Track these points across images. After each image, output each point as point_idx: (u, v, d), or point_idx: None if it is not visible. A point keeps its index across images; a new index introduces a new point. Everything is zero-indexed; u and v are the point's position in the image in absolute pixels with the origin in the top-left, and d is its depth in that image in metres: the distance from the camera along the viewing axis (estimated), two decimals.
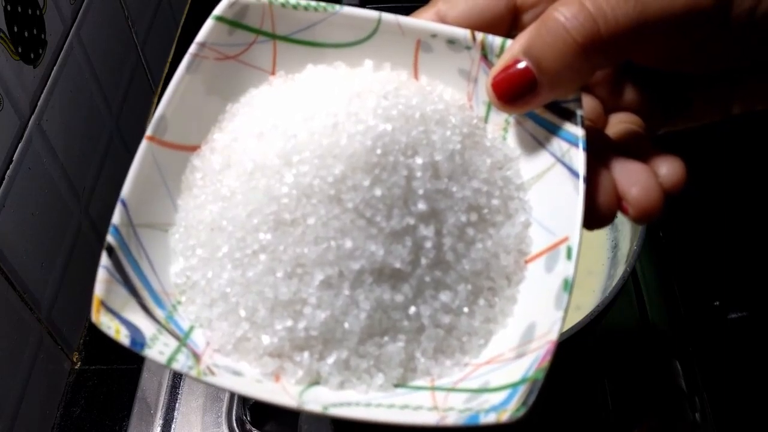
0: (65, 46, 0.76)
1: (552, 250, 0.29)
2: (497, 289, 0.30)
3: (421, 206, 0.28)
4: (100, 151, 0.85)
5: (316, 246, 0.28)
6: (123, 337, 0.28)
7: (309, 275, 0.28)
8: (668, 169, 0.32)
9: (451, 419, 0.26)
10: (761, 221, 0.80)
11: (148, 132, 0.34)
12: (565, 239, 0.28)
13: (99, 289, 0.30)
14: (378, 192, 0.28)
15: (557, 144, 0.30)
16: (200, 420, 0.66)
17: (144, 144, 0.34)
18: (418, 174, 0.28)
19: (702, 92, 0.33)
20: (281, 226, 0.29)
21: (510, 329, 0.29)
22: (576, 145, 0.29)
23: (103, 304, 0.29)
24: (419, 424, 0.26)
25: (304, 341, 0.28)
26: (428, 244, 0.28)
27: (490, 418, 0.26)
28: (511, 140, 0.32)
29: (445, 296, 0.29)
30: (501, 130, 0.32)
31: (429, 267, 0.28)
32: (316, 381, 0.28)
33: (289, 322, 0.28)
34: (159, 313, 0.29)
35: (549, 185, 0.30)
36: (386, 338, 0.28)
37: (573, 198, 0.28)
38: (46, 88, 0.72)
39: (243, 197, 0.29)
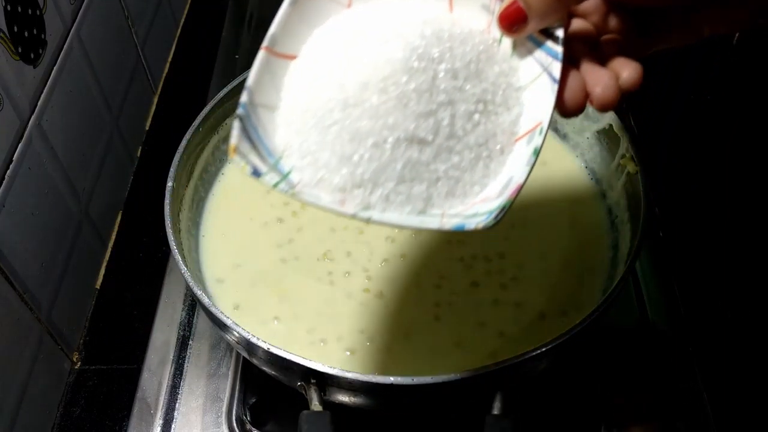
0: (65, 46, 0.76)
1: (532, 131, 0.43)
2: (493, 156, 0.44)
3: (442, 97, 0.42)
4: (100, 151, 0.85)
5: (370, 121, 0.41)
6: (248, 169, 0.42)
7: (365, 139, 0.42)
8: (628, 73, 0.42)
9: (447, 226, 0.41)
10: (761, 221, 0.80)
11: (265, 44, 0.46)
12: (540, 123, 0.42)
13: (234, 139, 0.43)
14: (412, 86, 0.41)
15: (545, 58, 0.43)
16: (200, 420, 0.66)
17: (262, 52, 0.46)
18: (441, 75, 0.42)
19: (677, 20, 0.43)
20: (348, 108, 0.42)
21: (498, 181, 0.43)
22: (557, 59, 0.42)
23: (236, 149, 0.43)
24: (426, 228, 0.42)
25: (360, 182, 0.42)
26: (445, 123, 0.42)
27: (471, 226, 0.41)
28: (515, 56, 0.44)
29: (455, 158, 0.43)
30: (509, 49, 0.44)
31: (445, 138, 0.42)
32: (366, 207, 0.42)
33: (351, 169, 0.42)
34: (269, 160, 0.43)
35: (537, 88, 0.43)
36: (414, 183, 0.42)
37: (550, 96, 0.42)
38: (46, 88, 0.72)
39: (323, 89, 0.43)
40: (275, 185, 0.42)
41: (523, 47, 0.44)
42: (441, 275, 0.62)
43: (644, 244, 0.56)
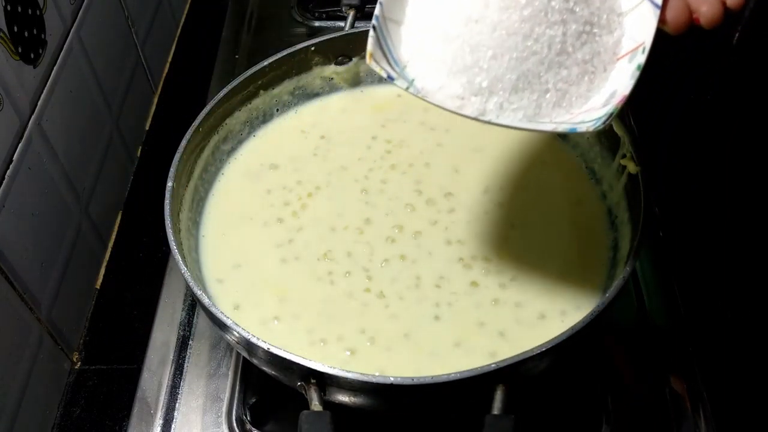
0: (65, 46, 0.76)
1: (634, 50, 0.49)
2: (597, 72, 0.49)
3: (555, 17, 0.47)
4: (100, 151, 0.85)
5: (490, 35, 0.47)
6: (383, 73, 0.49)
7: (484, 52, 0.47)
8: None
9: (560, 128, 0.48)
10: (761, 221, 0.80)
11: None
12: (642, 43, 0.48)
13: (370, 46, 0.49)
14: (528, 11, 0.47)
15: None
16: (200, 420, 0.66)
17: None
18: (554, 2, 0.47)
19: None
20: (470, 23, 0.47)
21: (602, 94, 0.49)
22: None
23: (372, 55, 0.49)
24: (540, 130, 0.49)
25: (478, 90, 0.47)
26: (557, 40, 0.47)
27: (582, 128, 0.47)
28: None
29: (563, 72, 0.48)
30: None
31: (556, 54, 0.48)
32: (482, 113, 0.48)
33: (470, 78, 0.47)
34: (396, 69, 0.50)
35: (640, 12, 0.49)
36: (526, 92, 0.47)
37: (653, 19, 0.47)
38: (46, 88, 0.72)
39: (446, 6, 0.49)
40: (406, 89, 0.49)
41: None
42: (441, 275, 0.62)
43: (644, 244, 0.56)
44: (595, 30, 0.49)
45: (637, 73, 0.48)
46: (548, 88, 0.48)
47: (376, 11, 0.50)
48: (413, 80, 0.50)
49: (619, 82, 0.49)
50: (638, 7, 0.49)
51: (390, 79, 0.49)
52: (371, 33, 0.50)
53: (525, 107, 0.48)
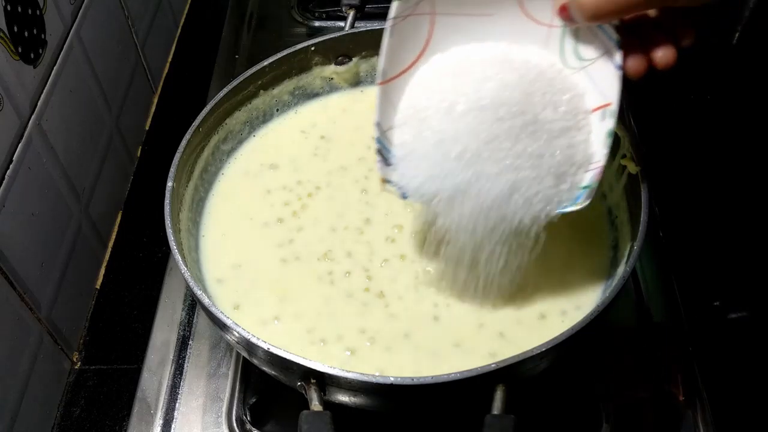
0: (65, 46, 0.76)
1: (603, 108, 0.52)
2: (574, 168, 0.53)
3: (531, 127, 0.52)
4: (100, 151, 0.85)
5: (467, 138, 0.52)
6: (399, 196, 0.56)
7: (461, 144, 0.52)
8: (684, 36, 0.50)
9: (549, 216, 0.53)
10: (761, 221, 0.80)
11: (378, 80, 0.55)
12: (609, 103, 0.51)
13: (380, 171, 0.56)
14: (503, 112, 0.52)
15: (607, 42, 0.51)
16: (200, 420, 0.66)
17: (378, 88, 0.55)
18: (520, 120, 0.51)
19: None
20: (449, 115, 0.52)
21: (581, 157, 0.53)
22: (617, 45, 0.50)
23: (384, 181, 0.56)
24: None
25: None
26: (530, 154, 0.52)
27: (568, 209, 0.52)
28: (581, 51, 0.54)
29: (550, 156, 0.52)
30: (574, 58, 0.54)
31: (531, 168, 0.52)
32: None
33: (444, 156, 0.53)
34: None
35: (602, 66, 0.52)
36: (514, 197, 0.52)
37: (615, 80, 0.51)
38: (46, 88, 0.72)
39: (426, 104, 0.55)
40: (402, 198, 0.56)
41: (587, 37, 0.53)
42: (441, 275, 0.62)
43: (644, 244, 0.56)
44: (572, 133, 0.53)
45: (609, 141, 0.51)
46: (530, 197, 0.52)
47: (375, 134, 0.55)
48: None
49: (595, 146, 0.53)
50: (601, 58, 0.52)
51: (404, 198, 0.55)
52: (377, 158, 0.55)
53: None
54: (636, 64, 0.50)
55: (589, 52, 0.53)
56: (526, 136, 0.52)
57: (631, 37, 0.50)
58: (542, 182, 0.52)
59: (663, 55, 0.49)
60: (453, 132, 0.52)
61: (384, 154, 0.55)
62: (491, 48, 0.56)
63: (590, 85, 0.53)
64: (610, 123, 0.51)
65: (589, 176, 0.52)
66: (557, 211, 0.52)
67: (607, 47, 0.51)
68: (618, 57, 0.50)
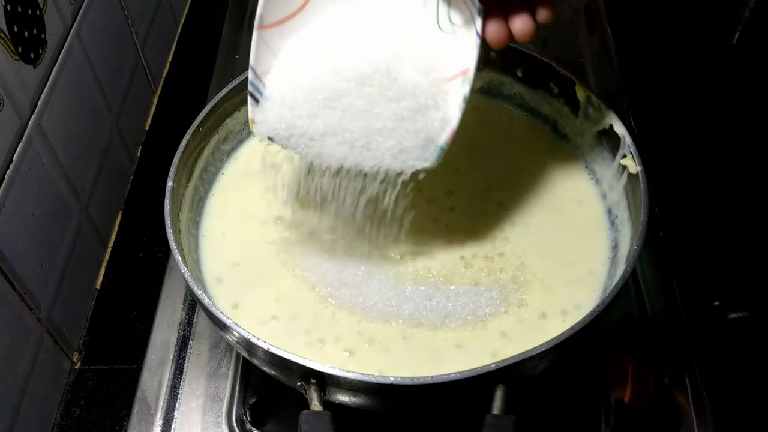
0: (65, 46, 0.76)
1: (462, 74, 0.55)
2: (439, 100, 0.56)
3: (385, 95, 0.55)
4: (100, 151, 0.85)
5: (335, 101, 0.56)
6: (265, 141, 0.59)
7: (329, 92, 0.56)
8: (542, 11, 0.52)
9: (402, 168, 0.56)
10: (761, 221, 0.80)
11: (256, 25, 0.56)
12: (467, 70, 0.54)
13: (250, 113, 0.57)
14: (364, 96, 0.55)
15: (473, 9, 0.54)
16: (200, 420, 0.66)
17: (255, 33, 0.56)
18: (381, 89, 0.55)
19: None
20: (322, 76, 0.56)
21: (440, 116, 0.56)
22: (479, 13, 0.53)
23: (253, 122, 0.57)
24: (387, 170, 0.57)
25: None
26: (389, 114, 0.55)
27: (419, 166, 0.56)
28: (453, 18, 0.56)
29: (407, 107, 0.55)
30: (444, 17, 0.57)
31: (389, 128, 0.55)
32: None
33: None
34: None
35: (467, 33, 0.55)
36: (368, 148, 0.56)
37: (474, 48, 0.54)
38: (46, 88, 0.72)
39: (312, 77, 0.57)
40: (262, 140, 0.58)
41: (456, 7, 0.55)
42: (442, 274, 0.62)
43: (644, 244, 0.56)
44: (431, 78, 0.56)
45: (463, 105, 0.55)
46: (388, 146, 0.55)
47: (249, 76, 0.57)
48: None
49: (453, 110, 0.55)
50: (462, 32, 0.55)
51: (270, 140, 0.58)
52: (249, 100, 0.57)
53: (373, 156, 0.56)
54: (496, 32, 0.53)
55: (457, 17, 0.56)
56: (389, 99, 0.55)
57: (493, 6, 0.53)
58: (400, 137, 0.55)
59: (521, 26, 0.52)
60: (323, 86, 0.56)
61: (255, 95, 0.57)
62: (371, 9, 0.59)
63: (456, 50, 0.56)
64: (466, 89, 0.54)
65: (444, 137, 0.55)
66: (413, 165, 0.56)
67: (472, 14, 0.54)
68: (479, 24, 0.53)
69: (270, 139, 0.57)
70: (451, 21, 0.56)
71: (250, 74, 0.57)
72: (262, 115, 0.57)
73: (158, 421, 0.66)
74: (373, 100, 0.55)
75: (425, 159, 0.55)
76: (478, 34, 0.53)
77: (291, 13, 0.58)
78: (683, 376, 0.67)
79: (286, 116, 0.56)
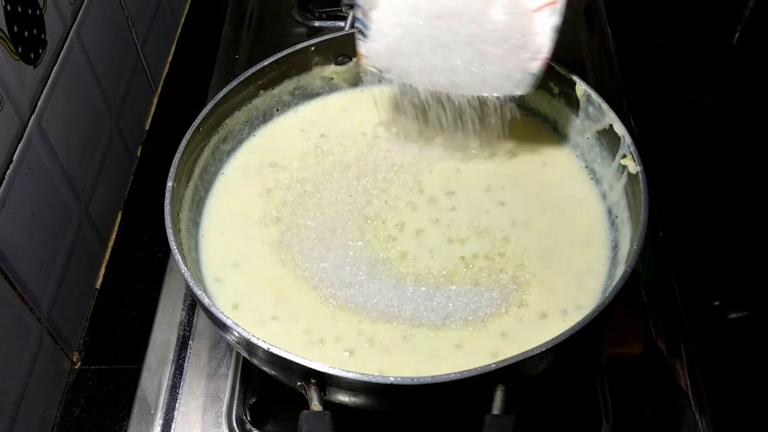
0: (65, 46, 0.76)
1: (550, 4, 0.61)
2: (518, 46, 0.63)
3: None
4: (100, 151, 0.85)
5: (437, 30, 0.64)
6: (376, 73, 0.67)
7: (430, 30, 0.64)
8: None
9: (496, 93, 0.65)
10: (761, 221, 0.80)
11: None
12: (555, 1, 0.61)
13: (360, 48, 0.66)
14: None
15: None
16: (200, 420, 0.66)
17: None
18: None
19: None
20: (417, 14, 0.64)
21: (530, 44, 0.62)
22: None
23: (363, 56, 0.65)
24: (478, 95, 0.65)
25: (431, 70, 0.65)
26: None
27: (516, 91, 0.63)
28: None
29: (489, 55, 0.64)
30: None
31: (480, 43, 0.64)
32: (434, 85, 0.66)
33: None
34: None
35: None
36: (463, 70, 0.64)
37: None
38: (46, 88, 0.72)
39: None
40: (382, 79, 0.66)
41: None
42: (443, 274, 0.62)
43: (644, 244, 0.56)
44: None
45: (554, 35, 0.60)
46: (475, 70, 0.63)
47: (357, 14, 0.65)
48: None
49: (542, 38, 0.62)
50: None
51: (379, 71, 0.65)
52: (358, 36, 0.64)
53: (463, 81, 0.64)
54: None
55: None
56: (482, 39, 0.63)
57: None
58: (494, 69, 0.63)
59: None
60: (423, 23, 0.64)
61: (363, 31, 0.65)
62: None
63: None
64: (555, 19, 0.61)
65: (536, 65, 0.62)
66: (510, 89, 0.63)
67: None
68: None
69: (379, 71, 0.65)
70: None
71: (358, 12, 0.65)
72: (369, 49, 0.65)
73: (158, 421, 0.66)
74: (468, 36, 0.62)
75: (519, 85, 0.63)
76: None
77: None
78: (683, 376, 0.67)
79: (391, 52, 0.64)
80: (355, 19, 0.65)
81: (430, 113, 0.68)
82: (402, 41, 0.64)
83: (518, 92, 0.63)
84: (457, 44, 0.63)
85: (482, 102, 0.66)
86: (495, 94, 0.64)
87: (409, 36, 0.64)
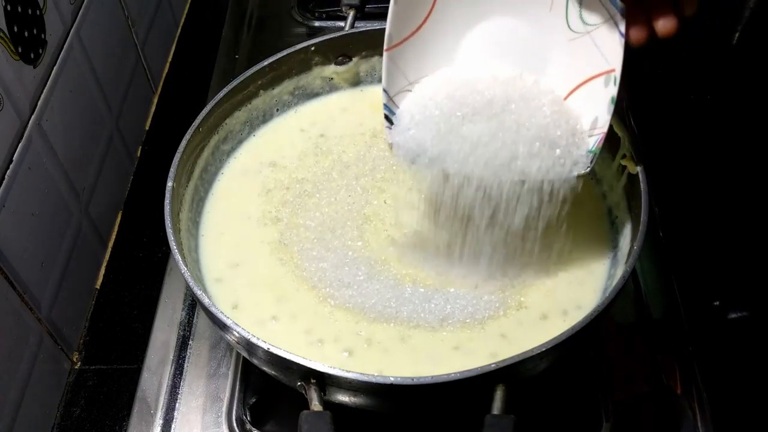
0: (65, 46, 0.76)
1: (607, 73, 0.54)
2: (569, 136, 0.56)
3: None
4: (100, 151, 0.85)
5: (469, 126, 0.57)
6: (406, 164, 0.59)
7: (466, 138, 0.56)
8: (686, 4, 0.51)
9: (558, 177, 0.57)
10: (761, 221, 0.80)
11: (385, 47, 0.58)
12: (614, 69, 0.53)
13: (388, 138, 0.59)
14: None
15: (611, 9, 0.53)
16: (200, 420, 0.66)
17: (385, 54, 0.58)
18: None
19: None
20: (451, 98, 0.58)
21: (585, 119, 0.57)
22: (622, 12, 0.52)
23: (392, 147, 0.58)
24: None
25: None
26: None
27: (575, 173, 0.56)
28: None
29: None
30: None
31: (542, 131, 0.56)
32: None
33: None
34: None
35: (605, 33, 0.54)
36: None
37: (619, 47, 0.52)
38: (46, 88, 0.72)
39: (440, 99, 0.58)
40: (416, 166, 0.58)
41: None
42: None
43: (644, 244, 0.56)
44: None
45: (612, 107, 0.53)
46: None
47: (384, 100, 0.58)
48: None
49: (598, 111, 0.55)
50: (597, 32, 0.55)
51: (412, 164, 0.57)
52: (386, 124, 0.58)
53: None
54: (639, 32, 0.52)
55: (593, 17, 0.54)
56: (528, 118, 0.56)
57: (635, 4, 0.51)
58: (544, 147, 0.56)
59: (664, 23, 0.51)
60: (457, 105, 0.57)
61: (390, 118, 0.58)
62: (496, 21, 0.59)
63: (594, 50, 0.55)
64: (613, 90, 0.54)
65: (593, 141, 0.55)
66: (569, 174, 0.56)
67: (612, 13, 0.53)
68: (622, 25, 0.52)
69: (411, 162, 0.57)
70: (584, 21, 0.55)
71: (384, 97, 0.58)
72: (397, 137, 0.58)
73: (158, 421, 0.66)
74: (503, 127, 0.56)
75: (577, 166, 0.56)
76: (622, 34, 0.52)
77: (416, 29, 0.59)
78: (683, 376, 0.67)
79: (422, 139, 0.56)
80: (384, 106, 0.59)
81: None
82: (433, 125, 0.57)
83: (577, 173, 0.56)
84: (498, 132, 0.56)
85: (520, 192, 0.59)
86: (552, 178, 0.56)
87: (442, 123, 0.57)
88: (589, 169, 0.55)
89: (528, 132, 0.55)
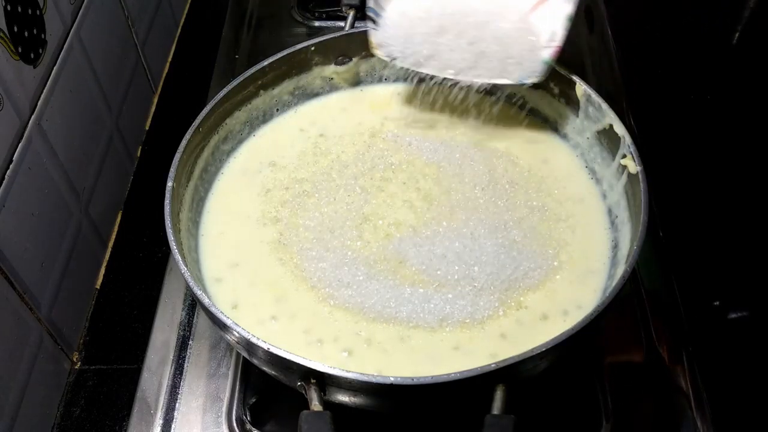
0: (65, 46, 0.76)
1: None
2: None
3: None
4: (100, 151, 0.85)
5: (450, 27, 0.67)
6: (389, 60, 0.69)
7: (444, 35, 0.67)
8: None
9: (510, 81, 0.66)
10: (761, 221, 0.80)
11: None
12: None
13: (372, 38, 0.68)
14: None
15: None
16: (200, 420, 0.66)
17: None
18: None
19: None
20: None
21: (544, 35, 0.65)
22: None
23: (376, 45, 0.68)
24: (496, 83, 0.67)
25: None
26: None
27: (529, 80, 0.65)
28: None
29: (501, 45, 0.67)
30: None
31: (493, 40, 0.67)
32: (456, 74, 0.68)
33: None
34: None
35: None
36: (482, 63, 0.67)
37: None
38: (46, 88, 0.72)
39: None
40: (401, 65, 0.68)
41: None
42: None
43: (644, 244, 0.56)
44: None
45: (568, 24, 0.62)
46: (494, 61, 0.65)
47: (370, 3, 0.66)
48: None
49: (556, 27, 0.63)
50: None
51: (393, 60, 0.67)
52: (369, 25, 0.64)
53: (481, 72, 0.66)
54: None
55: None
56: (491, 27, 0.66)
57: None
58: (503, 60, 0.65)
59: None
60: (434, 16, 0.67)
61: (374, 19, 0.67)
62: None
63: None
64: (569, 7, 0.63)
65: (549, 52, 0.64)
66: (520, 78, 0.65)
67: None
68: None
69: (391, 59, 0.67)
70: None
71: (370, 0, 0.67)
72: (381, 38, 0.68)
73: (158, 421, 0.66)
74: (479, 25, 0.65)
75: (532, 73, 0.64)
76: None
77: None
78: (683, 377, 0.67)
79: (403, 40, 0.67)
80: (368, 8, 0.68)
81: (434, 105, 0.72)
82: (415, 29, 0.67)
83: (531, 80, 0.65)
84: (468, 33, 0.66)
85: (488, 92, 0.70)
86: (507, 81, 0.65)
87: (422, 24, 0.66)
88: (541, 78, 0.64)
89: (494, 38, 0.65)
